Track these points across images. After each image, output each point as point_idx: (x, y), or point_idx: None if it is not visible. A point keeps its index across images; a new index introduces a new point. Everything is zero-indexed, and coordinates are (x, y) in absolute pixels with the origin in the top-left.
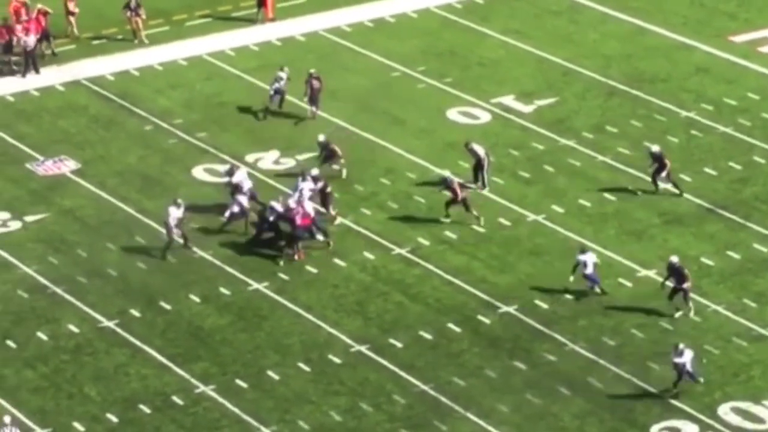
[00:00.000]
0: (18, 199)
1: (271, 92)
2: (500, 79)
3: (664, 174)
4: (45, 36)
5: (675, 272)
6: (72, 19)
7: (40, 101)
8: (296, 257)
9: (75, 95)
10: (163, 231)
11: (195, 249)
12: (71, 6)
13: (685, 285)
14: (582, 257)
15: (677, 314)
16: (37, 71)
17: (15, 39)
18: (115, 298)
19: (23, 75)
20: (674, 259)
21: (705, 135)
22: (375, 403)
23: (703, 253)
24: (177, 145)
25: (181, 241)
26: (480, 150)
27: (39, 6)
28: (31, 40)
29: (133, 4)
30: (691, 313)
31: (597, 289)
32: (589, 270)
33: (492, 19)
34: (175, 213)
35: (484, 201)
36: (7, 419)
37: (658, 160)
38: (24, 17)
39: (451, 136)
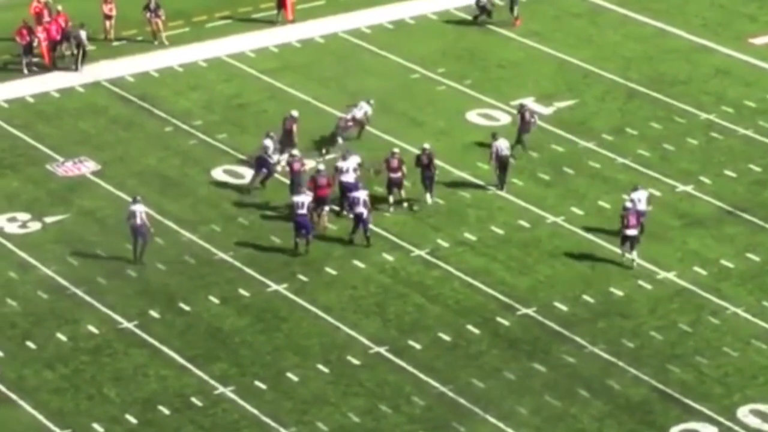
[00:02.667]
0: (38, 200)
1: (348, 118)
2: (520, 81)
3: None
4: (65, 37)
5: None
6: (108, 22)
7: (59, 102)
8: (320, 225)
9: (95, 96)
10: (182, 232)
11: (214, 250)
12: (107, 9)
13: (634, 232)
14: (635, 194)
15: (628, 259)
16: (77, 67)
17: (35, 40)
18: (135, 299)
19: (76, 68)
20: (628, 203)
21: (725, 137)
22: (394, 405)
23: (722, 256)
24: (196, 146)
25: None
26: (503, 147)
27: (59, 7)
28: (83, 33)
29: (152, 5)
30: (634, 264)
31: (642, 221)
32: (643, 206)
33: (512, 21)
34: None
35: (504, 203)
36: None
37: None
38: (46, 18)
39: (470, 137)
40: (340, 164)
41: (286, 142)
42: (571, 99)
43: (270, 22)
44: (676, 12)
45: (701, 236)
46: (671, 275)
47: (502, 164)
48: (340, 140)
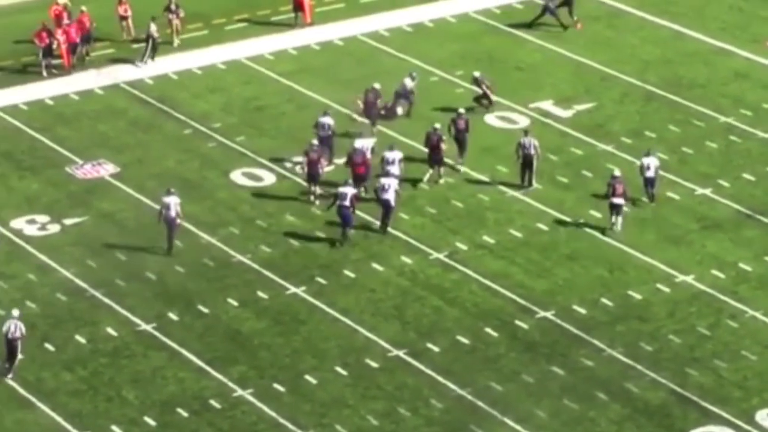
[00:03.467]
0: (57, 202)
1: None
2: (538, 84)
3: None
4: (87, 38)
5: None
6: (125, 23)
7: (79, 105)
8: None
9: (114, 99)
10: (201, 234)
11: (233, 253)
12: (121, 10)
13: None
14: (646, 160)
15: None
16: (152, 58)
17: (55, 43)
18: (154, 302)
19: (143, 60)
20: (617, 172)
21: (743, 140)
22: (412, 408)
23: (741, 259)
24: (215, 148)
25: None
26: (527, 144)
27: (83, 8)
28: (153, 27)
29: (172, 5)
30: (615, 228)
31: (651, 192)
32: (651, 173)
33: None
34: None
35: (522, 206)
36: (15, 312)
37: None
38: (65, 21)
39: (488, 140)
40: (387, 154)
41: (371, 114)
42: (589, 102)
43: (288, 25)
44: (695, 15)
45: (720, 239)
46: (690, 278)
47: (526, 162)
48: (399, 110)
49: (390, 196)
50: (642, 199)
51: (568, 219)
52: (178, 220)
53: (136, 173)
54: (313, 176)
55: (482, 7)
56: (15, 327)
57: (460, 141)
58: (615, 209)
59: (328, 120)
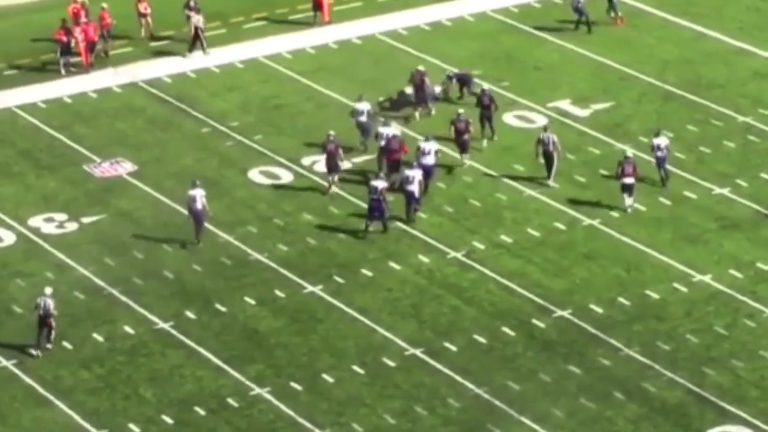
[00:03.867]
0: (75, 200)
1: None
2: (556, 84)
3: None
4: (107, 35)
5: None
6: (144, 20)
7: (97, 103)
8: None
9: (132, 97)
10: (218, 233)
11: (250, 251)
12: (142, 8)
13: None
14: (656, 140)
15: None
16: (204, 50)
17: (73, 41)
18: (171, 300)
19: (204, 52)
20: (629, 153)
21: (762, 140)
22: (429, 407)
23: (758, 259)
24: (233, 147)
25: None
26: (547, 140)
27: (103, 4)
28: (200, 19)
29: (192, 3)
30: (629, 210)
31: (663, 173)
32: (662, 153)
33: (549, 23)
34: None
35: (540, 205)
36: (48, 290)
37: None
38: (84, 19)
39: (507, 139)
40: (422, 145)
41: (420, 95)
42: (607, 101)
43: (307, 24)
44: (714, 15)
45: (737, 239)
46: (707, 278)
47: (546, 157)
48: (437, 91)
49: (414, 187)
50: (656, 180)
51: (585, 218)
52: (206, 212)
53: (154, 172)
54: (331, 167)
55: (500, 6)
56: (47, 304)
57: (461, 143)
58: (626, 189)
59: (363, 105)
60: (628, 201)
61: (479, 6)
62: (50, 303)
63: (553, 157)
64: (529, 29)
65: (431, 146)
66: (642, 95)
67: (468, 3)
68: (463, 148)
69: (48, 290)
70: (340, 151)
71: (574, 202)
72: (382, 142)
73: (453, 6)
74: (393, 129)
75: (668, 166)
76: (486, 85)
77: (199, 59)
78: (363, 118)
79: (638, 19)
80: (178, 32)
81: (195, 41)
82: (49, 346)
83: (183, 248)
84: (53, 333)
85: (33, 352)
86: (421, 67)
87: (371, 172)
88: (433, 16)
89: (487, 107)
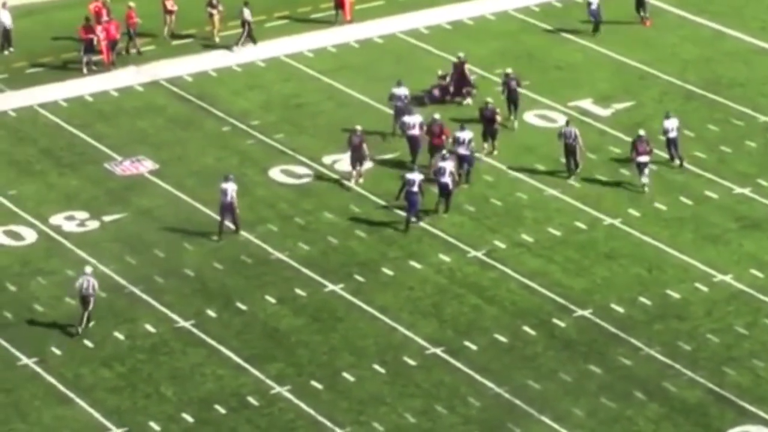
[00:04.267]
0: (96, 198)
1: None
2: (578, 83)
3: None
4: (134, 34)
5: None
6: (169, 18)
7: (118, 101)
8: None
9: (153, 96)
10: (241, 232)
11: (271, 250)
12: (169, 5)
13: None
14: (667, 122)
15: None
16: (254, 42)
17: (95, 39)
18: (192, 299)
19: (238, 44)
20: (642, 132)
21: None
22: (450, 406)
23: None
24: (254, 146)
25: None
26: (569, 134)
27: (131, 3)
28: (248, 12)
29: (214, 1)
30: (646, 189)
31: (676, 154)
32: (674, 134)
33: (570, 23)
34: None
35: (561, 204)
36: (88, 269)
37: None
38: (105, 18)
39: (528, 139)
40: (459, 135)
41: (461, 83)
42: (628, 101)
43: (328, 23)
44: (734, 14)
45: (758, 239)
46: (728, 278)
47: (568, 151)
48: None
49: (447, 179)
50: (671, 164)
51: (606, 217)
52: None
53: (175, 170)
54: (356, 160)
55: (522, 5)
56: (88, 283)
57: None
58: (641, 168)
59: (402, 91)
60: (644, 179)
61: (501, 5)
62: (91, 282)
63: (576, 151)
64: (550, 28)
65: (467, 135)
66: (663, 95)
67: (489, 2)
68: (492, 136)
69: (88, 269)
70: (365, 145)
71: (595, 202)
72: (410, 131)
73: (474, 5)
74: (417, 117)
75: (688, 165)
76: (437, 115)
77: (221, 57)
78: (400, 104)
79: (658, 17)
80: (199, 31)
81: (243, 34)
82: (90, 324)
83: (208, 241)
84: (91, 312)
85: (75, 330)
86: (461, 54)
87: (390, 169)
88: (455, 15)
89: (490, 121)
